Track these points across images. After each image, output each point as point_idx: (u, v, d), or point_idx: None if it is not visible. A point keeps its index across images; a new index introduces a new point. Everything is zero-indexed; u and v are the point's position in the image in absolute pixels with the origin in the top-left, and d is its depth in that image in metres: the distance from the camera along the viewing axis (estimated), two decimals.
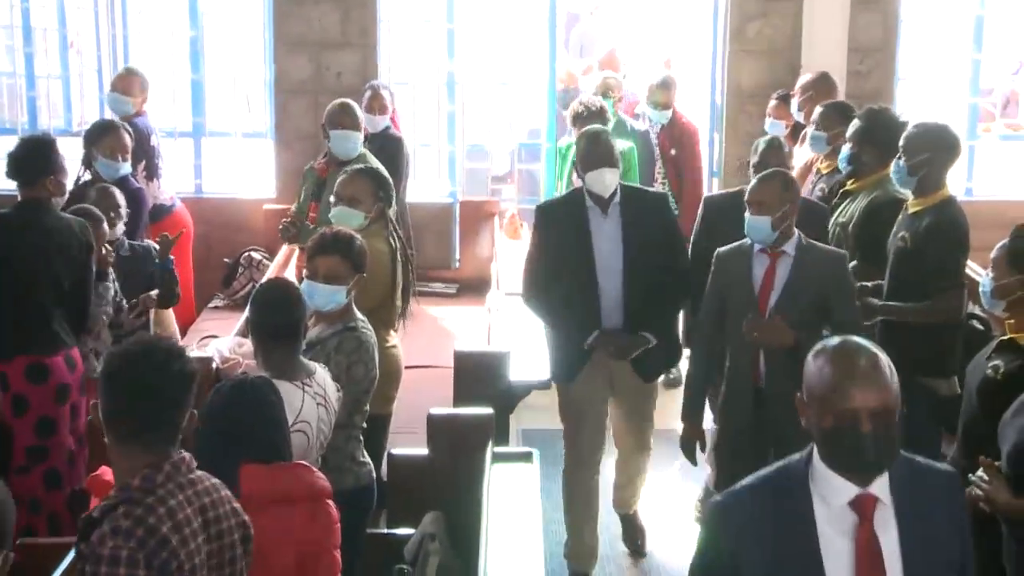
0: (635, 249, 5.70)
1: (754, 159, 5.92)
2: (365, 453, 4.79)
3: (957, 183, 8.07)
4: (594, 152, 5.71)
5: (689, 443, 5.54)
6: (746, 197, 5.20)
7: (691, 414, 5.51)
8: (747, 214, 5.15)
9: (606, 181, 5.67)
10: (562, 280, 5.73)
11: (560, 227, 5.79)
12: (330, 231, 4.95)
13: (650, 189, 6.69)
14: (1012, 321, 4.27)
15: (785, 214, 5.10)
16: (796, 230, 5.19)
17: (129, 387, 2.91)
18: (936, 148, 5.47)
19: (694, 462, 5.62)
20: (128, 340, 3.30)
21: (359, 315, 4.81)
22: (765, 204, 5.10)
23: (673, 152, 8.26)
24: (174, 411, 2.93)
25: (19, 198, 5.70)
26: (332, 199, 5.69)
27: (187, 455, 2.98)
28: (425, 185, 8.91)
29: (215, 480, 3.05)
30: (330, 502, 3.61)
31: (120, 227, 6.29)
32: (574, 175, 6.58)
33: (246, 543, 3.06)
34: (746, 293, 5.18)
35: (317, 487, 3.59)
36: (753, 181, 5.30)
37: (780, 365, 5.04)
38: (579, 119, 7.43)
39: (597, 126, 6.38)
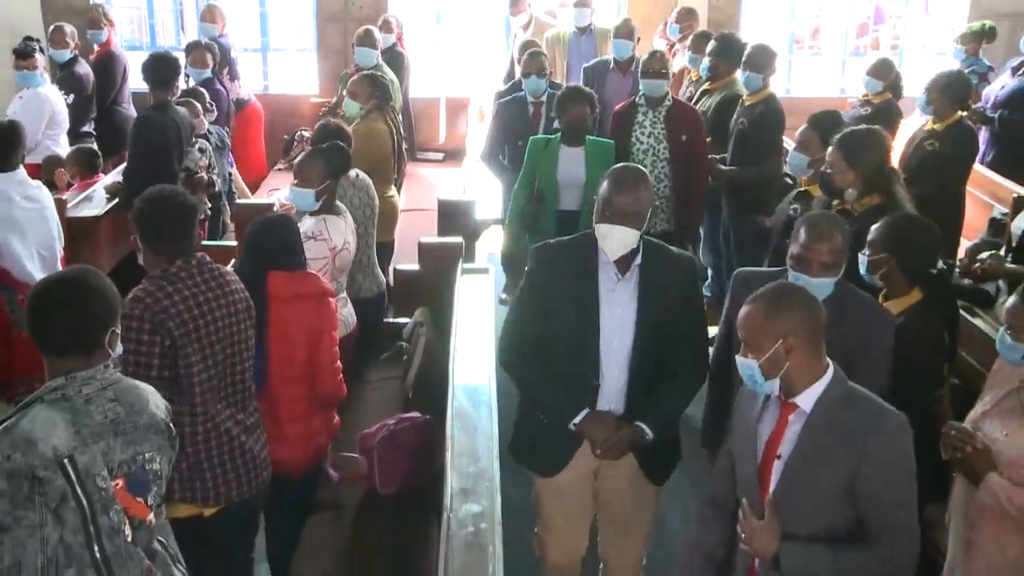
0: (651, 322, 3.00)
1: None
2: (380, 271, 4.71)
3: (780, 85, 8.06)
4: (618, 199, 2.94)
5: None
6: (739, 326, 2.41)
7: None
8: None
9: (627, 241, 2.96)
10: (554, 348, 3.05)
11: (562, 281, 3.04)
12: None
13: (676, 249, 3.14)
14: (806, 178, 4.21)
15: (778, 354, 2.30)
16: (830, 364, 2.36)
17: (151, 221, 2.91)
18: (774, 62, 5.48)
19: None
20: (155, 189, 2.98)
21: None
22: (749, 344, 2.35)
23: (684, 138, 5.11)
24: (186, 231, 2.93)
25: (151, 97, 5.46)
26: (344, 94, 5.49)
27: (201, 255, 2.97)
28: (421, 84, 8.65)
29: (232, 274, 3.06)
30: (331, 299, 3.46)
31: (212, 116, 6.11)
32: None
33: (248, 310, 3.07)
34: (748, 458, 2.46)
35: (322, 288, 3.44)
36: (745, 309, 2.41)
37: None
38: (564, 100, 4.85)
39: (633, 165, 3.30)
